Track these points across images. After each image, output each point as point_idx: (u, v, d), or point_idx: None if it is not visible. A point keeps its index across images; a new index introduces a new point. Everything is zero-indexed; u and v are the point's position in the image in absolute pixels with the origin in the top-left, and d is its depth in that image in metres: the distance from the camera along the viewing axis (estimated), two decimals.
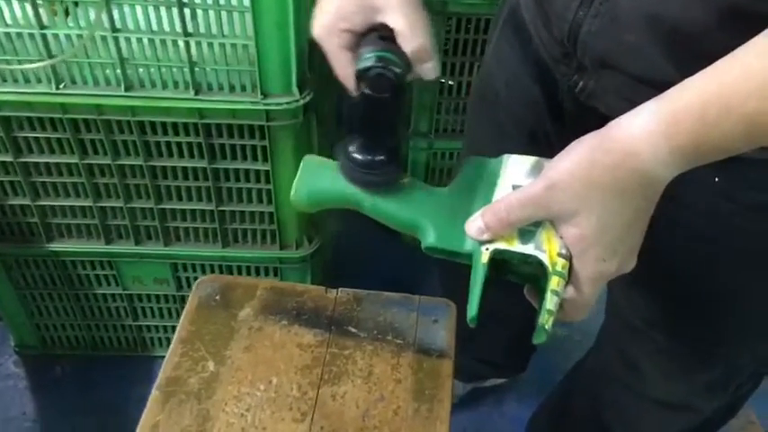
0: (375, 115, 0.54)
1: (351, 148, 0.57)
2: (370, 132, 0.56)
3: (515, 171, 0.56)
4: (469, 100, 0.97)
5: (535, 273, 0.54)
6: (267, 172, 1.08)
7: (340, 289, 0.81)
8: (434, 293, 0.84)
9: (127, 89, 0.98)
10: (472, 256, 0.54)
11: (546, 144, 0.79)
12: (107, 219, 1.15)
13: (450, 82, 1.36)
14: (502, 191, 0.55)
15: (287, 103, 0.99)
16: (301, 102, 1.00)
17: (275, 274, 1.22)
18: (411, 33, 0.54)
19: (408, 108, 1.38)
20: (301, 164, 0.61)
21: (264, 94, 0.99)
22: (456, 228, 0.55)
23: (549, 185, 0.51)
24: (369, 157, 0.56)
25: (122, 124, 1.03)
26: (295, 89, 0.99)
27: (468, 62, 1.31)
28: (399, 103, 0.55)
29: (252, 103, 0.99)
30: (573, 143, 0.52)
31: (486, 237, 0.53)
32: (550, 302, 0.51)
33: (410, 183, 0.59)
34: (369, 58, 0.53)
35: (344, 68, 0.56)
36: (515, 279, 0.57)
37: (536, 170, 0.55)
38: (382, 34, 0.54)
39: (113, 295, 1.27)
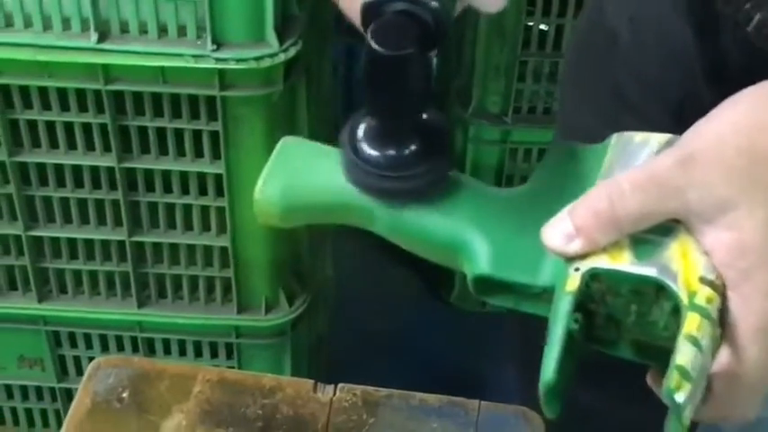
0: (394, 82, 0.56)
1: (359, 136, 0.59)
2: (390, 110, 0.58)
3: (630, 157, 0.58)
4: (568, 53, 1.00)
5: (662, 327, 0.55)
6: (219, 177, 1.09)
7: (340, 385, 0.81)
8: (507, 394, 0.84)
9: None
10: (552, 294, 0.56)
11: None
12: None
13: (541, 26, 1.36)
14: None
15: (256, 58, 1.00)
16: (282, 57, 1.00)
17: (229, 356, 1.23)
18: None
19: (459, 65, 1.38)
20: (277, 148, 0.63)
21: (218, 44, 1.00)
22: (525, 246, 0.57)
23: (683, 158, 0.52)
24: (389, 152, 0.58)
25: None
26: (271, 35, 1.00)
27: None
28: (438, 57, 0.57)
29: (195, 57, 1.00)
30: (728, 99, 0.54)
31: (576, 247, 0.54)
32: (684, 356, 0.51)
33: (452, 179, 0.61)
34: None
35: None
36: (626, 352, 0.57)
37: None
38: None
39: None
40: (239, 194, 1.10)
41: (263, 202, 0.62)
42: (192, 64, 1.00)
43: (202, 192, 1.11)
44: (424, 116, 0.59)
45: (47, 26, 1.00)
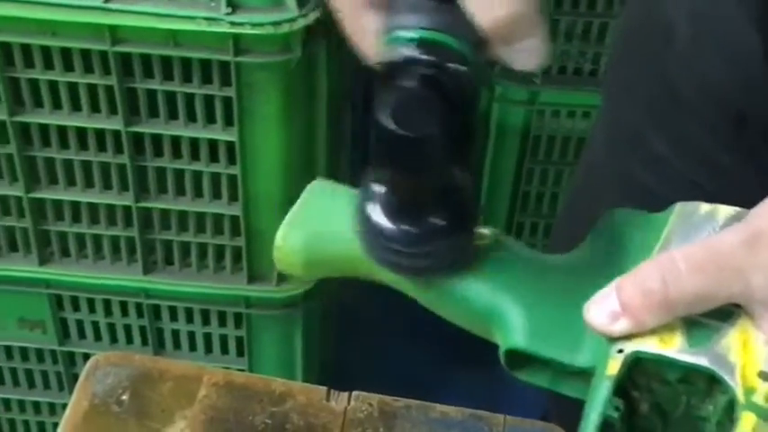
0: (413, 160, 0.52)
1: (372, 208, 0.55)
2: (409, 186, 0.54)
3: (692, 230, 0.54)
4: (614, 38, 0.97)
5: (714, 423, 0.52)
6: (231, 145, 1.07)
7: (355, 393, 0.79)
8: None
9: None
10: (590, 375, 0.53)
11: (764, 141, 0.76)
12: None
13: None
14: None
15: (274, 23, 0.97)
16: (301, 22, 0.98)
17: (238, 326, 1.22)
18: None
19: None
20: (305, 191, 0.60)
21: (233, 6, 0.97)
22: (566, 320, 0.55)
23: (749, 237, 0.50)
24: (409, 228, 0.55)
25: None
26: None
27: None
28: (466, 125, 0.53)
29: (208, 20, 0.97)
30: None
31: (621, 327, 0.51)
32: None
33: (491, 242, 0.58)
34: (402, 39, 0.50)
35: (365, 35, 0.54)
36: None
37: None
38: None
39: None
40: (252, 163, 1.08)
41: (284, 251, 0.59)
42: (204, 27, 0.97)
43: (213, 159, 1.09)
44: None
45: None
